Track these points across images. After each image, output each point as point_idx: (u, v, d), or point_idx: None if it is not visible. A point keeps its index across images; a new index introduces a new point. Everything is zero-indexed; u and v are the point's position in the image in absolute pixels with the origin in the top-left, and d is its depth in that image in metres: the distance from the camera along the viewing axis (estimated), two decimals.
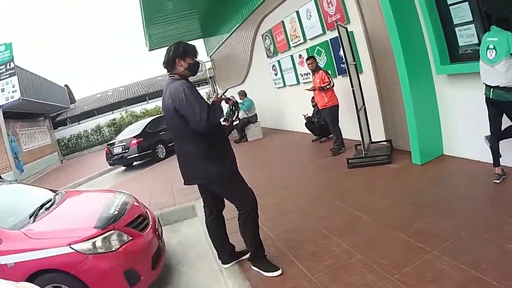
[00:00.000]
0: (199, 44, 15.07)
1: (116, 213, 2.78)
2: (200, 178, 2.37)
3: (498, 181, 3.26)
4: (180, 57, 2.28)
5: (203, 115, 2.11)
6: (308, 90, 5.66)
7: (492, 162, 3.33)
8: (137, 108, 23.11)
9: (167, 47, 2.35)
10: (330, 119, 5.52)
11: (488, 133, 3.37)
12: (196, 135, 2.21)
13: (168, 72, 2.34)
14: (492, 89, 3.14)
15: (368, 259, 2.37)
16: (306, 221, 3.17)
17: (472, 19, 3.66)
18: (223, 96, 2.47)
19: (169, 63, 2.30)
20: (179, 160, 2.41)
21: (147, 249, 2.72)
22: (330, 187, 4.06)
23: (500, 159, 3.30)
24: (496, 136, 3.31)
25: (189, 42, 2.44)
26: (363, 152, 4.69)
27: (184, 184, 2.47)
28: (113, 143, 10.17)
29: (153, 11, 9.65)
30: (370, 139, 5.12)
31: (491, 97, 3.15)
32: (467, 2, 3.62)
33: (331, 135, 6.05)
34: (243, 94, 9.26)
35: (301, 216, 3.33)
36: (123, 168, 10.49)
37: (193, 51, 2.32)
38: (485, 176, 3.35)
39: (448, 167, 3.92)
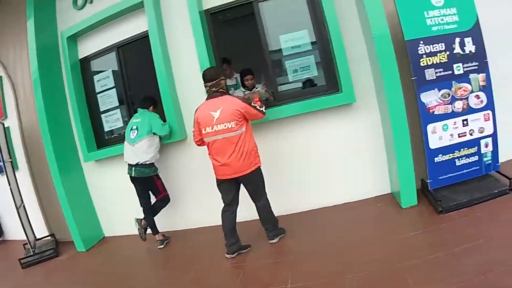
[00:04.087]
0: None
1: None
2: None
3: (162, 246, 3.56)
4: None
5: None
6: None
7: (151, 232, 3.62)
8: None
9: None
10: None
11: (138, 216, 3.60)
12: None
13: None
14: (133, 167, 3.36)
15: None
16: None
17: (118, 104, 3.99)
18: None
19: None
20: None
21: None
22: None
23: (158, 226, 3.62)
24: (148, 210, 3.57)
25: None
26: (31, 250, 4.38)
27: None
28: None
29: None
30: (35, 236, 4.75)
31: (133, 175, 3.40)
32: (114, 89, 3.97)
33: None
34: None
35: None
36: None
37: None
38: (150, 245, 3.72)
39: (112, 247, 4.25)
